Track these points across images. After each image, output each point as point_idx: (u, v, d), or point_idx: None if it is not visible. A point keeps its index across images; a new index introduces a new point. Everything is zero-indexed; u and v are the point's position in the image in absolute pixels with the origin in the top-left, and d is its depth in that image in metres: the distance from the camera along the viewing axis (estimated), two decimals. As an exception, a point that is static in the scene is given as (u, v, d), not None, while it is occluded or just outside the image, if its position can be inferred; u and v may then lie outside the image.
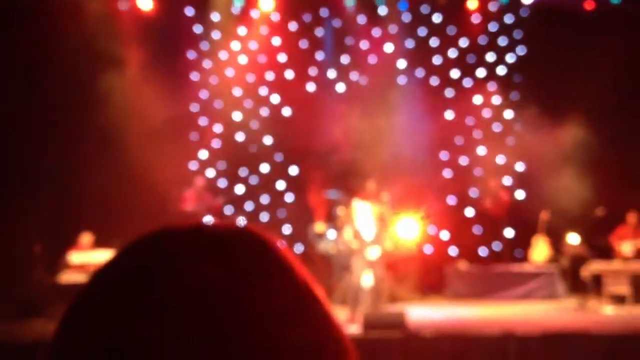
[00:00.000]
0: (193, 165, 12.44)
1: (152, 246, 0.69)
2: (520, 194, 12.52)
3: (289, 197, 12.65)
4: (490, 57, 13.04)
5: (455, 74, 12.98)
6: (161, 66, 11.59)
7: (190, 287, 0.64)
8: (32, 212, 10.63)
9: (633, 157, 11.24)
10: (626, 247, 10.66)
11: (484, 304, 10.53)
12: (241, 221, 11.82)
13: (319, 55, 13.03)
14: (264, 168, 12.74)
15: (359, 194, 10.22)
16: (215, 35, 12.87)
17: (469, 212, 12.64)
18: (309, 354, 0.66)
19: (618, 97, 11.25)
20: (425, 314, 9.39)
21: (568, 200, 10.88)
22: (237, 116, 12.80)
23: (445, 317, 9.30)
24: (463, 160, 12.80)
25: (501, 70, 13.03)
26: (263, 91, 12.90)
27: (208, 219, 11.09)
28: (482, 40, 13.01)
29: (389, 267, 10.00)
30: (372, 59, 12.90)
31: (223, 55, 12.85)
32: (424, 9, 13.03)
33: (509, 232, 12.21)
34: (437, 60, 13.02)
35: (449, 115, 12.87)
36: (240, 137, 12.80)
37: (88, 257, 9.79)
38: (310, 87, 12.93)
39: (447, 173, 12.77)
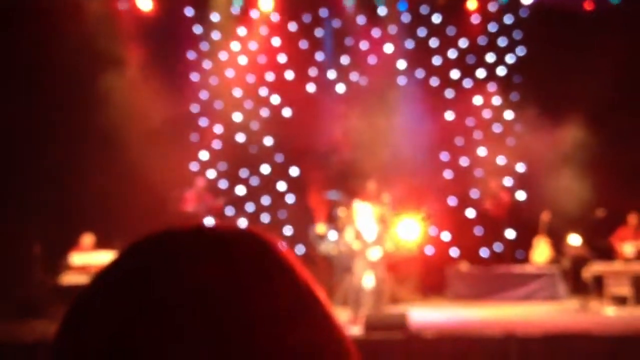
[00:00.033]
0: (194, 166, 12.45)
1: (153, 247, 0.69)
2: (521, 195, 12.53)
3: (290, 198, 12.66)
4: (490, 57, 13.05)
5: (455, 74, 12.99)
6: (161, 67, 11.61)
7: (190, 287, 0.64)
8: (32, 212, 10.64)
9: (634, 158, 11.24)
10: (627, 248, 10.66)
11: (485, 305, 10.53)
12: (242, 222, 11.86)
13: (319, 56, 13.05)
14: (265, 169, 12.75)
15: (359, 194, 10.23)
16: (215, 35, 12.89)
17: (470, 213, 12.64)
18: (309, 355, 0.65)
19: (618, 97, 11.25)
20: (426, 315, 9.39)
21: (569, 201, 10.88)
22: (237, 117, 12.81)
23: (446, 318, 9.30)
24: (463, 161, 12.81)
25: (501, 71, 13.04)
26: (263, 92, 12.92)
27: (209, 220, 11.09)
28: (482, 40, 13.02)
29: (390, 268, 10.01)
30: (372, 60, 12.92)
31: (223, 55, 12.87)
32: (424, 9, 13.05)
33: (510, 233, 12.21)
34: (437, 60, 13.03)
35: (449, 115, 12.88)
36: (240, 137, 12.81)
37: (89, 258, 9.80)
38: (310, 87, 12.94)
39: (447, 174, 12.78)
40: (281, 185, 12.71)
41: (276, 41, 12.94)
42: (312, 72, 12.99)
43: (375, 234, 9.24)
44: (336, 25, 13.08)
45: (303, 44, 12.94)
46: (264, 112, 12.90)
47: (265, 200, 12.68)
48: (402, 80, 12.93)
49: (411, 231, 10.75)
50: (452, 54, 13.01)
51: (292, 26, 12.95)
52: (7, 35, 10.76)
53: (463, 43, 12.99)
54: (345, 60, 13.00)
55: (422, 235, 11.12)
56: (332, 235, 10.99)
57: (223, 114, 12.75)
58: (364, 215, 9.34)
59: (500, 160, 12.68)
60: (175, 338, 0.62)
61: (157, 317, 0.63)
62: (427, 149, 12.17)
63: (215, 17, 12.85)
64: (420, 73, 12.99)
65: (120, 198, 10.88)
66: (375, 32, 12.96)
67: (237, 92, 12.84)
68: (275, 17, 12.90)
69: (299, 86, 12.76)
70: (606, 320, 9.04)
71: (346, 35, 13.02)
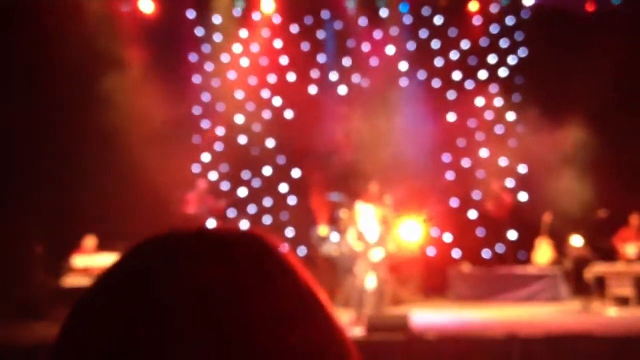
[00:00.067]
0: (195, 168, 12.45)
1: (155, 249, 0.70)
2: (522, 196, 12.52)
3: (292, 200, 12.66)
4: (492, 58, 13.05)
5: (456, 75, 12.99)
6: (163, 68, 11.62)
7: (191, 288, 0.65)
8: (33, 213, 10.65)
9: (635, 158, 11.23)
10: (629, 249, 10.65)
11: (487, 306, 10.52)
12: (244, 224, 11.86)
13: (321, 58, 13.05)
14: (267, 171, 12.75)
15: (361, 196, 10.24)
16: (217, 37, 12.90)
17: (472, 214, 12.63)
18: (310, 356, 0.66)
19: (619, 98, 11.24)
20: (428, 316, 9.38)
21: (571, 202, 10.87)
22: (239, 119, 12.82)
23: (448, 320, 9.28)
24: (465, 163, 12.80)
25: (503, 72, 13.03)
26: (265, 94, 12.92)
27: (210, 222, 11.10)
28: (484, 42, 13.01)
29: (391, 269, 10.00)
30: (373, 61, 12.92)
31: (225, 57, 12.87)
32: (425, 10, 13.04)
33: (511, 234, 12.19)
34: (438, 62, 13.03)
35: (451, 117, 12.88)
36: (242, 139, 12.81)
37: (91, 260, 9.80)
38: (312, 89, 12.94)
39: (449, 175, 12.78)
40: (283, 187, 12.71)
41: (278, 43, 12.94)
42: (314, 73, 12.99)
43: (377, 235, 9.23)
44: (338, 27, 13.08)
45: (305, 46, 12.94)
46: (266, 114, 12.90)
47: (267, 202, 12.68)
48: (403, 82, 12.93)
49: (413, 232, 10.75)
50: (453, 55, 13.01)
51: (294, 28, 12.96)
52: (7, 35, 10.76)
53: (465, 44, 12.99)
54: (347, 61, 13.00)
55: (423, 236, 11.12)
56: (334, 236, 10.98)
57: (225, 116, 12.75)
58: (365, 216, 9.33)
59: (502, 161, 12.67)
60: (175, 338, 0.62)
61: (158, 318, 0.63)
62: (429, 150, 12.16)
63: (217, 19, 12.86)
64: (422, 74, 12.99)
65: (121, 200, 10.88)
66: (377, 34, 12.96)
67: (239, 94, 12.84)
68: (276, 19, 12.90)
69: (300, 88, 12.76)
70: (608, 321, 9.03)
71: (348, 37, 13.02)
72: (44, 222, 10.62)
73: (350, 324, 8.60)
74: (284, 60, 12.92)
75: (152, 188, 10.57)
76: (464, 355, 7.54)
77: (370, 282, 9.07)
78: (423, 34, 13.07)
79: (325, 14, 13.03)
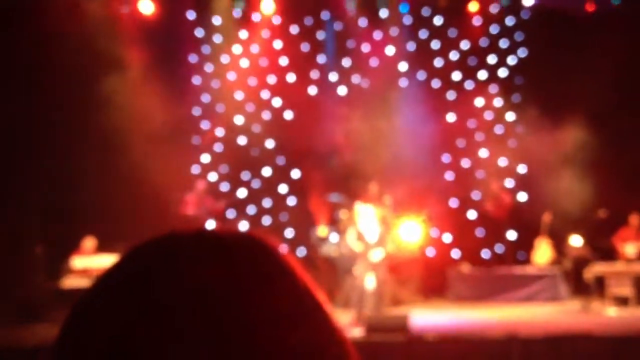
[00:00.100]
0: (195, 169, 12.44)
1: (154, 250, 0.70)
2: (522, 196, 12.52)
3: (291, 201, 12.65)
4: (492, 59, 13.05)
5: (456, 76, 12.99)
6: (163, 69, 11.61)
7: (190, 288, 0.65)
8: (33, 213, 10.65)
9: (635, 158, 11.24)
10: (629, 249, 10.65)
11: (487, 306, 10.52)
12: (243, 225, 11.86)
13: (321, 59, 13.05)
14: (266, 171, 12.75)
15: (361, 196, 10.24)
16: (217, 38, 12.89)
17: (471, 214, 12.63)
18: (310, 357, 0.66)
19: (619, 98, 11.24)
20: (427, 316, 9.38)
21: (570, 202, 10.87)
22: (238, 120, 12.81)
23: (448, 320, 9.29)
24: (465, 163, 12.80)
25: (502, 73, 13.04)
26: (265, 94, 12.92)
27: (210, 223, 11.10)
28: (484, 42, 13.01)
29: (391, 270, 10.01)
30: (373, 62, 12.92)
31: (224, 58, 12.87)
32: (425, 11, 13.05)
33: (511, 235, 12.20)
34: (438, 62, 13.03)
35: (451, 117, 12.88)
36: (242, 140, 12.81)
37: (91, 261, 9.79)
38: (312, 90, 12.94)
39: (449, 176, 12.78)
40: (282, 188, 12.71)
41: (278, 44, 12.94)
42: (314, 74, 12.99)
43: (377, 236, 9.24)
44: (338, 28, 13.08)
45: (305, 47, 12.94)
46: (266, 115, 12.90)
47: (267, 203, 12.67)
48: (403, 82, 12.93)
49: (412, 233, 10.75)
50: (453, 55, 13.01)
51: (294, 29, 12.96)
52: (7, 35, 10.77)
53: (464, 45, 12.99)
54: (346, 62, 13.00)
55: (423, 236, 11.12)
56: (334, 237, 10.99)
57: (224, 117, 12.75)
58: (365, 217, 9.34)
59: (502, 161, 12.67)
60: (175, 338, 0.62)
61: (158, 318, 0.63)
62: (429, 150, 12.16)
63: (216, 20, 12.86)
64: (421, 75, 13.00)
65: (121, 200, 10.88)
66: (377, 35, 12.97)
67: (239, 95, 12.84)
68: (276, 20, 12.90)
69: (300, 89, 12.76)
70: (608, 320, 9.03)
71: (348, 37, 13.02)
72: (44, 223, 10.62)
73: (350, 324, 8.60)
74: (283, 61, 12.92)
75: (152, 189, 10.56)
76: (463, 356, 7.55)
77: (369, 282, 9.07)
78: (423, 34, 13.08)
79: (325, 15, 13.03)
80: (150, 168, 10.42)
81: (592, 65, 11.08)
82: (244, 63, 12.91)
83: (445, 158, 12.78)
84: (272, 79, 12.89)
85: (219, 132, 12.75)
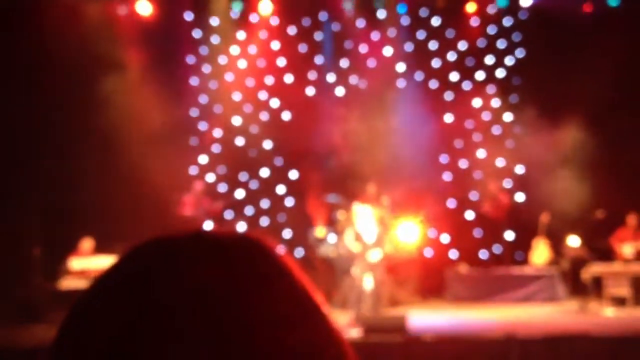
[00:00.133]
0: (193, 170, 12.43)
1: (153, 251, 0.70)
2: (520, 197, 12.52)
3: (289, 202, 12.65)
4: (489, 60, 13.05)
5: (454, 77, 12.99)
6: (160, 71, 11.62)
7: (190, 288, 0.65)
8: (31, 214, 10.63)
9: (633, 159, 11.25)
10: (626, 249, 10.66)
11: (485, 307, 10.53)
12: (241, 226, 11.85)
13: (318, 59, 13.04)
14: (264, 172, 12.74)
15: (359, 197, 10.24)
16: (215, 39, 12.88)
17: (469, 215, 12.64)
18: (309, 358, 0.66)
19: (617, 98, 11.25)
20: (425, 317, 9.38)
21: (568, 203, 10.88)
22: (236, 121, 12.80)
23: (446, 321, 9.29)
24: (463, 163, 12.80)
25: (500, 73, 13.03)
26: (262, 95, 12.90)
27: (207, 224, 11.10)
28: (481, 43, 13.01)
29: (389, 271, 10.01)
30: (371, 63, 12.92)
31: (222, 59, 12.86)
32: (423, 12, 13.04)
33: (509, 235, 12.20)
34: (436, 63, 13.03)
35: (449, 118, 12.88)
36: (240, 141, 12.80)
37: (88, 262, 9.78)
38: (310, 91, 12.93)
39: (446, 176, 12.78)
40: (280, 189, 12.70)
41: (275, 45, 12.93)
42: (312, 75, 12.98)
43: (375, 237, 9.24)
44: (335, 29, 13.07)
45: (302, 48, 12.93)
46: (264, 116, 12.89)
47: (265, 204, 12.66)
48: (401, 83, 12.93)
49: (410, 233, 10.75)
50: (451, 56, 13.01)
51: (292, 30, 12.95)
52: (7, 35, 10.76)
53: (462, 45, 12.99)
54: (344, 63, 12.99)
55: (421, 237, 11.12)
56: (332, 238, 10.99)
57: (222, 118, 12.74)
58: (363, 217, 9.34)
59: (500, 162, 12.67)
60: (175, 338, 0.63)
61: (157, 318, 0.64)
62: (427, 151, 12.15)
63: (214, 21, 12.84)
64: (419, 76, 12.99)
65: (119, 202, 10.87)
66: (375, 35, 12.97)
67: (237, 96, 12.83)
68: (274, 21, 12.90)
69: (298, 89, 12.76)
70: (605, 321, 9.05)
71: (345, 38, 13.02)
72: (42, 224, 10.61)
73: (348, 325, 8.59)
74: (281, 61, 12.91)
75: (150, 190, 10.55)
76: (461, 356, 7.55)
77: (367, 283, 9.08)
78: (420, 35, 13.07)
79: (322, 16, 13.02)
80: (148, 169, 10.41)
81: (590, 66, 11.09)
82: (242, 64, 12.91)
83: (443, 159, 12.78)
84: (269, 80, 12.88)
85: (217, 133, 12.74)
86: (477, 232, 12.56)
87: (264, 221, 12.54)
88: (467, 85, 12.96)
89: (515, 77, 12.97)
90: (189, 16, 12.83)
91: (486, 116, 12.92)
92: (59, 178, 10.93)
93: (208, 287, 0.65)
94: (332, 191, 11.25)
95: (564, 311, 9.96)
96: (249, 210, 12.60)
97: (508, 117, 12.87)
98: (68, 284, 9.61)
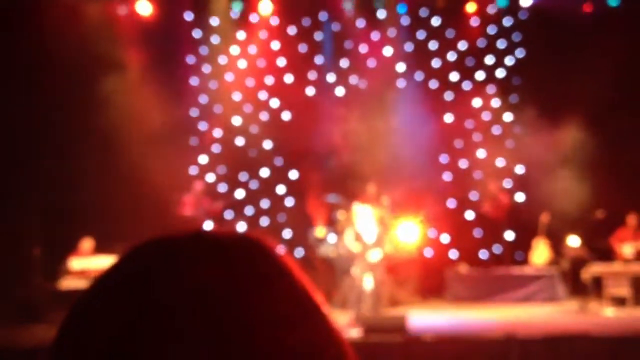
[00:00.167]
0: (193, 170, 12.43)
1: (153, 251, 0.70)
2: (520, 197, 12.52)
3: (289, 202, 12.65)
4: (489, 60, 13.05)
5: (454, 77, 12.99)
6: (160, 71, 11.62)
7: (190, 288, 0.65)
8: (31, 214, 10.63)
9: (633, 159, 11.25)
10: (626, 249, 10.67)
11: (485, 307, 10.53)
12: (241, 226, 11.85)
13: (318, 59, 13.04)
14: (264, 172, 12.74)
15: (359, 197, 10.24)
16: (215, 39, 12.88)
17: (469, 215, 12.64)
18: (309, 358, 0.66)
19: (617, 98, 11.26)
20: (425, 317, 9.38)
21: (568, 203, 10.88)
22: (236, 121, 12.80)
23: (446, 321, 9.29)
24: (463, 164, 12.80)
25: (500, 73, 13.03)
26: (262, 95, 12.90)
27: (207, 224, 11.10)
28: (481, 43, 13.01)
29: (389, 271, 10.01)
30: (371, 63, 12.92)
31: (222, 59, 12.86)
32: (423, 12, 13.04)
33: (509, 235, 12.20)
34: (436, 63, 13.03)
35: (449, 118, 12.88)
36: (240, 141, 12.80)
37: (88, 262, 9.78)
38: (310, 91, 12.93)
39: (446, 176, 12.78)
40: (280, 189, 12.70)
41: (275, 45, 12.93)
42: (312, 75, 12.98)
43: (375, 237, 9.24)
44: (335, 29, 13.07)
45: (302, 48, 12.93)
46: (264, 116, 12.89)
47: (265, 204, 12.66)
48: (401, 83, 12.93)
49: (410, 233, 10.75)
50: (451, 56, 13.01)
51: (292, 30, 12.95)
52: (7, 35, 10.76)
53: (462, 45, 12.99)
54: (344, 63, 12.99)
55: (421, 237, 11.12)
56: (332, 238, 10.99)
57: (222, 118, 12.74)
58: (363, 217, 9.34)
59: (500, 162, 12.67)
60: (175, 338, 0.63)
61: (157, 318, 0.64)
62: (427, 151, 12.15)
63: (214, 21, 12.84)
64: (419, 76, 12.99)
65: (119, 202, 10.87)
66: (375, 35, 12.97)
67: (237, 96, 12.83)
68: (274, 21, 12.90)
69: (298, 89, 12.76)
70: (605, 321, 9.05)
71: (345, 38, 13.02)
72: (42, 224, 10.61)
73: (348, 325, 8.59)
74: (281, 61, 12.92)
75: (150, 190, 10.56)
76: (461, 356, 7.55)
77: (367, 283, 9.08)
78: (420, 35, 13.07)
79: (322, 16, 13.02)
80: (148, 169, 10.42)
81: (590, 66, 11.09)
82: (242, 64, 12.91)
83: (443, 159, 12.78)
84: (269, 80, 12.88)
85: (217, 133, 12.75)
86: (477, 232, 12.56)
87: (264, 221, 12.54)
88: (467, 85, 12.96)
89: (515, 77, 12.97)
90: (189, 16, 12.83)
91: (486, 116, 12.92)
92: (59, 178, 10.93)
93: (208, 287, 0.65)
94: (332, 191, 11.25)
95: (564, 311, 9.96)
96: (249, 210, 12.60)
97: (508, 117, 12.87)
98: (68, 284, 9.62)
